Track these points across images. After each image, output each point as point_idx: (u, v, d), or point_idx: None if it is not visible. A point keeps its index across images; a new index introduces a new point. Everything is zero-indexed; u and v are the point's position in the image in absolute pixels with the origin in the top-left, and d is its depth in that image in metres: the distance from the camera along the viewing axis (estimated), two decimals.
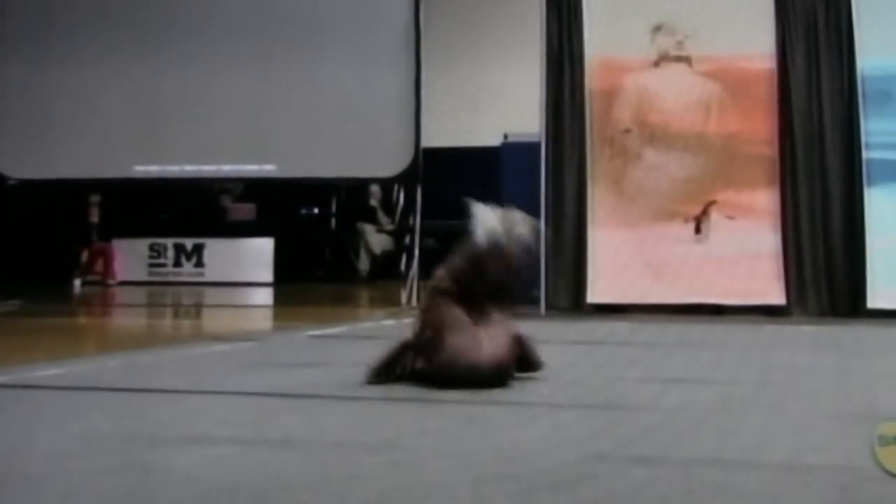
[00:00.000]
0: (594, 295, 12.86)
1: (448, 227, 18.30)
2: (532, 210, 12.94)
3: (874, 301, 12.15)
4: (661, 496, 3.81)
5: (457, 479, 4.09)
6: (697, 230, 12.69)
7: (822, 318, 12.10)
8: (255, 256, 19.80)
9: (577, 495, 3.89)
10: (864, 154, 12.26)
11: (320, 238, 22.21)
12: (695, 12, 12.93)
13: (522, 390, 6.06)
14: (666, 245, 12.71)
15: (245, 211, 21.17)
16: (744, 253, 12.54)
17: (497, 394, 6.03)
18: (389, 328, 10.91)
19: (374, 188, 20.43)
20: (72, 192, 18.79)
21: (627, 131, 12.95)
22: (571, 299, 12.96)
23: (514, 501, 3.78)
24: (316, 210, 22.52)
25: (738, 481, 4.05)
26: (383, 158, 14.76)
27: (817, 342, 9.72)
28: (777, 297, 12.48)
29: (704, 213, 12.69)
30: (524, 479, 4.10)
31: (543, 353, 6.70)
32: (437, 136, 16.21)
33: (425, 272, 14.67)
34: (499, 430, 5.12)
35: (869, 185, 12.24)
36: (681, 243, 12.68)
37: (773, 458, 4.51)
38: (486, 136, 18.25)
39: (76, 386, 6.60)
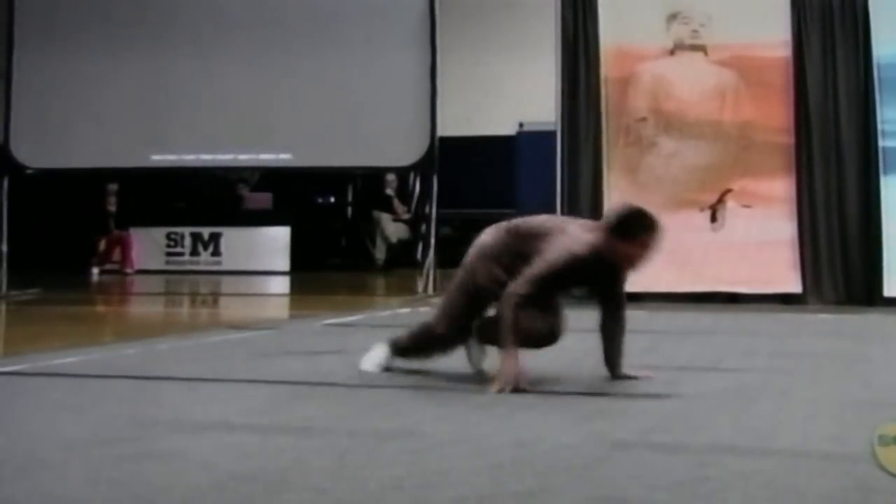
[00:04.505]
0: None
1: (464, 216, 18.40)
2: (547, 198, 13.05)
3: (890, 289, 12.14)
4: (676, 482, 3.83)
5: (474, 465, 4.12)
6: (713, 218, 12.69)
7: (838, 306, 12.10)
8: (271, 245, 19.82)
9: (594, 482, 3.91)
10: (880, 142, 12.24)
11: (336, 226, 22.24)
12: (710, 1, 12.91)
13: (537, 378, 6.07)
14: (682, 233, 12.65)
15: (261, 200, 21.19)
16: (759, 241, 12.53)
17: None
18: (405, 316, 10.94)
19: (390, 177, 20.43)
20: (89, 181, 18.86)
21: (643, 120, 12.95)
22: None
23: (530, 487, 3.80)
24: (332, 199, 22.54)
25: (754, 468, 4.07)
26: (399, 147, 14.75)
27: (833, 330, 9.73)
28: (793, 285, 12.48)
29: (720, 201, 12.68)
30: (540, 465, 4.13)
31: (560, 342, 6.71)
32: (453, 124, 16.20)
33: (441, 260, 14.72)
34: (515, 417, 5.15)
35: (885, 173, 12.22)
36: (696, 231, 12.67)
37: (788, 445, 4.53)
38: (502, 124, 18.30)
39: (94, 374, 6.64)
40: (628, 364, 6.25)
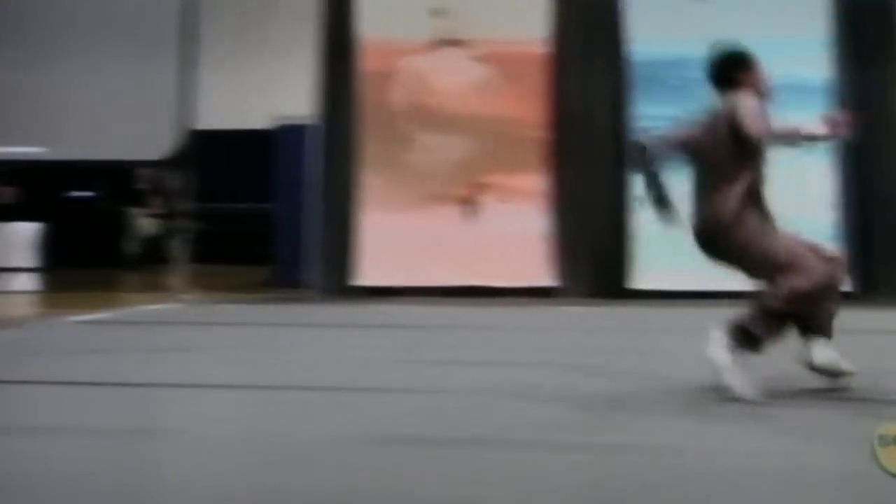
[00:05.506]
0: (366, 277, 12.84)
1: (219, 210, 18.19)
2: (303, 193, 12.96)
3: (641, 282, 12.38)
4: (442, 475, 3.81)
5: (225, 459, 4.05)
6: (469, 212, 12.76)
7: (591, 298, 12.28)
8: (20, 241, 19.36)
9: (341, 476, 3.87)
10: (634, 138, 12.48)
11: (89, 222, 21.80)
12: None
13: (287, 373, 6.00)
14: (438, 227, 12.75)
15: (10, 194, 20.67)
16: (514, 235, 12.65)
17: (259, 376, 5.99)
18: (156, 313, 10.73)
19: (145, 171, 20.18)
20: None
21: (402, 114, 12.96)
22: (343, 282, 12.91)
23: (291, 481, 3.74)
24: (85, 193, 22.12)
25: (516, 460, 4.07)
26: (151, 141, 14.54)
27: (586, 323, 9.86)
28: (547, 278, 12.63)
29: (476, 195, 12.77)
30: (294, 460, 4.06)
31: (310, 336, 6.62)
32: (210, 118, 15.98)
33: (196, 256, 14.51)
34: (267, 412, 5.08)
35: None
36: (452, 226, 12.74)
37: (565, 438, 4.54)
38: (259, 118, 18.12)
39: None
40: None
